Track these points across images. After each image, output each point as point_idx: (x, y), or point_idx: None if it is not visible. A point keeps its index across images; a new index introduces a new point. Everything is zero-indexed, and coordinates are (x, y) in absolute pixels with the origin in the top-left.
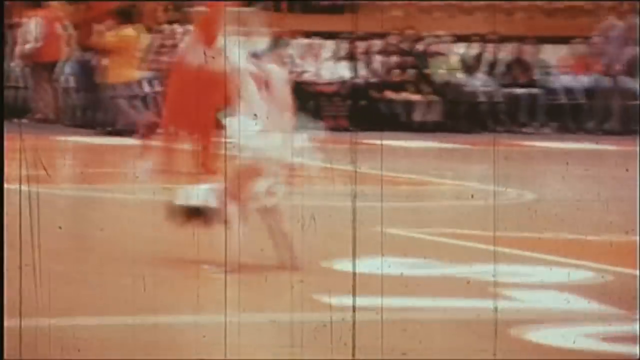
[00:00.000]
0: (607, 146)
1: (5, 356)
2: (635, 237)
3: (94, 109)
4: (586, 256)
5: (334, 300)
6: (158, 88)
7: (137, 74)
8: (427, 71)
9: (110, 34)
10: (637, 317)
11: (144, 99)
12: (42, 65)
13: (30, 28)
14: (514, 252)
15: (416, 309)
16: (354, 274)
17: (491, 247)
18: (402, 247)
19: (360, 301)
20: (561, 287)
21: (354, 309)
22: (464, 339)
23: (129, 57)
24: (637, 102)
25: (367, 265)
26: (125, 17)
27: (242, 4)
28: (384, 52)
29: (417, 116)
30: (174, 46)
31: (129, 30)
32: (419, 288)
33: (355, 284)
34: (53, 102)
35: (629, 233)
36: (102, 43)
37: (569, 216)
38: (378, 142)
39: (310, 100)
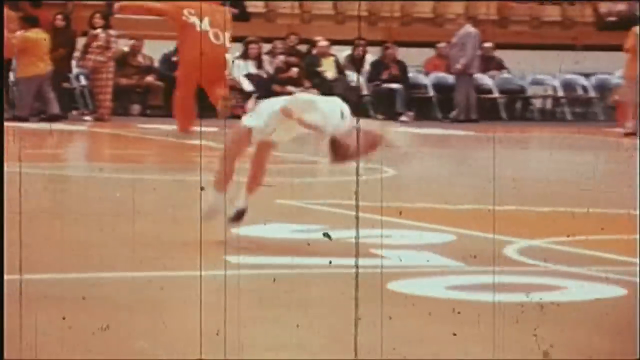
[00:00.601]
0: (457, 131)
1: (5, 356)
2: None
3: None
4: (443, 222)
5: (236, 259)
6: (85, 82)
7: (43, 69)
8: (319, 69)
9: (16, 36)
10: (637, 310)
11: (73, 90)
12: None
13: None
14: (384, 218)
15: (307, 266)
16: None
17: (365, 215)
18: (296, 215)
19: (264, 260)
20: (422, 247)
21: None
22: (344, 288)
23: (34, 56)
24: (489, 95)
25: (268, 230)
26: (30, 22)
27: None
28: (283, 53)
29: None
30: (107, 48)
31: (33, 33)
32: (309, 249)
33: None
34: None
35: (476, 202)
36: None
37: (426, 189)
38: None
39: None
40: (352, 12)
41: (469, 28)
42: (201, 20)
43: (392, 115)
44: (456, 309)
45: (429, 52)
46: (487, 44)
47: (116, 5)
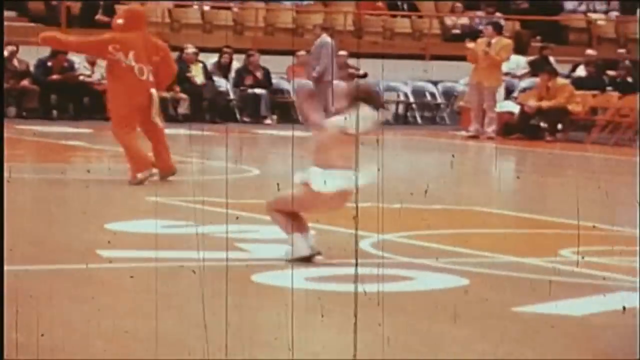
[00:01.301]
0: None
1: (5, 356)
2: None
3: None
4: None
5: (107, 253)
6: None
7: None
8: (188, 74)
9: None
10: (637, 310)
11: None
12: None
13: None
14: (247, 214)
15: (174, 259)
16: None
17: (231, 211)
18: (168, 212)
19: (137, 254)
20: (284, 242)
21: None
22: (215, 283)
23: None
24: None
25: (138, 225)
26: None
27: None
28: None
29: (181, 110)
30: None
31: None
32: (177, 243)
33: None
34: None
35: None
36: None
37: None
38: None
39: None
40: (219, 22)
41: (325, 38)
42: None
43: (257, 119)
44: (315, 299)
45: (290, 60)
46: (343, 52)
47: (40, 35)
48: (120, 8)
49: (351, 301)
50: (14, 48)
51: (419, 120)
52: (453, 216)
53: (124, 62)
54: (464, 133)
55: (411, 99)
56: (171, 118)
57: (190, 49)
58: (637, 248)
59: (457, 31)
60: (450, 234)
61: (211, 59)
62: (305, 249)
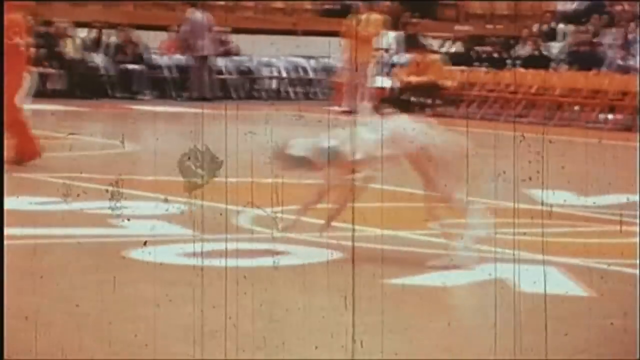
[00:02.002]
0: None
1: (5, 356)
2: None
3: None
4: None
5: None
6: None
7: None
8: (57, 50)
9: None
10: (637, 313)
11: None
12: None
13: None
14: (120, 190)
15: (48, 236)
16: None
17: (99, 186)
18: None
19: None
20: (159, 217)
21: None
22: (87, 259)
23: None
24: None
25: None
26: None
27: None
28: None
29: (50, 85)
30: None
31: None
32: (51, 219)
33: None
34: None
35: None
36: None
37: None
38: None
39: None
40: None
41: (197, 13)
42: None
43: (131, 95)
44: (192, 274)
45: (164, 35)
46: (221, 28)
47: None
48: None
49: (226, 275)
50: None
51: (292, 95)
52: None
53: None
54: (337, 108)
55: (285, 75)
56: (43, 93)
57: (62, 23)
58: (637, 245)
59: (330, 6)
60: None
61: (82, 34)
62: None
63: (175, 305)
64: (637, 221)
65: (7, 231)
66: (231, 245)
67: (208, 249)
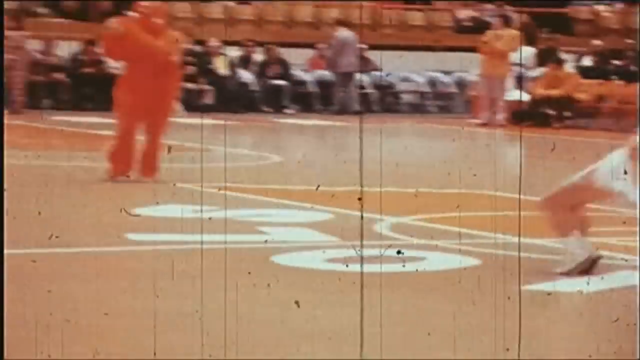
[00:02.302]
0: (336, 122)
1: (5, 356)
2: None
3: None
4: (322, 202)
5: (133, 236)
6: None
7: None
8: (209, 67)
9: None
10: (637, 311)
11: None
12: None
13: None
14: (269, 199)
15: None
16: None
17: (256, 197)
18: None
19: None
20: (305, 225)
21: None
22: (237, 263)
23: None
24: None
25: (163, 210)
26: None
27: None
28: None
29: (202, 100)
30: (18, 47)
31: None
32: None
33: None
34: None
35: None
36: None
37: (307, 173)
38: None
39: None
40: (241, 16)
41: (346, 31)
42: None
43: (278, 108)
44: (333, 279)
45: (309, 53)
46: (362, 45)
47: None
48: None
49: (367, 280)
50: (49, 43)
51: (432, 108)
52: (464, 199)
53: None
54: (475, 121)
55: (425, 89)
56: (196, 108)
57: (215, 43)
58: (637, 240)
59: (468, 24)
60: (462, 216)
61: (234, 52)
62: (583, 253)
63: (319, 310)
64: (637, 221)
65: (163, 237)
66: (373, 252)
67: (349, 255)
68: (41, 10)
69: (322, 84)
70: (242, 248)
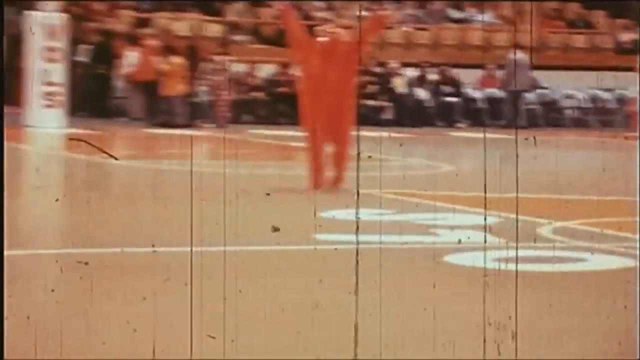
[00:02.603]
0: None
1: (5, 356)
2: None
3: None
4: (490, 207)
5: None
6: (209, 97)
7: (183, 88)
8: (389, 86)
9: (163, 63)
10: (637, 310)
11: (198, 104)
12: (137, 83)
13: (130, 58)
14: (441, 204)
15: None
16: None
17: (429, 202)
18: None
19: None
20: (473, 227)
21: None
22: (412, 261)
23: (173, 78)
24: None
25: (346, 214)
26: (171, 51)
27: None
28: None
29: (382, 116)
30: (223, 70)
31: (175, 60)
32: (388, 228)
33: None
34: (141, 107)
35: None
36: (159, 69)
37: (476, 181)
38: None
39: None
40: (418, 41)
41: (519, 54)
42: None
43: (450, 123)
44: (500, 277)
45: (479, 73)
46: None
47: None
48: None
49: (530, 278)
50: (250, 65)
51: (593, 123)
52: (626, 206)
53: None
54: (635, 134)
55: (587, 105)
56: (376, 122)
57: (393, 64)
58: (637, 244)
59: (627, 46)
60: (618, 221)
61: (411, 73)
62: None
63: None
64: (637, 220)
65: (342, 237)
66: (533, 253)
67: (512, 255)
68: (244, 38)
69: (491, 100)
70: (415, 248)
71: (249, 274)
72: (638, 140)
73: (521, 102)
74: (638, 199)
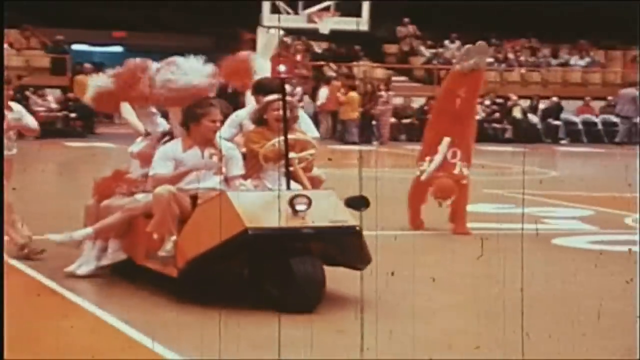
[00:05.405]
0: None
1: (5, 356)
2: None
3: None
4: (586, 203)
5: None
6: (376, 122)
7: (354, 115)
8: (510, 113)
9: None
10: (637, 310)
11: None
12: (326, 112)
13: (322, 94)
14: (549, 200)
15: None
16: None
17: (537, 198)
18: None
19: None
20: (574, 218)
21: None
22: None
23: (350, 106)
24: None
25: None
26: (350, 88)
27: None
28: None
29: (507, 135)
30: (387, 102)
31: (350, 95)
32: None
33: None
34: (327, 129)
35: (604, 190)
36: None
37: (575, 183)
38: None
39: None
40: (531, 79)
41: (629, 88)
42: None
43: (555, 140)
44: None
45: (579, 103)
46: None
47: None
48: None
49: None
50: (407, 99)
51: None
52: None
53: None
54: None
55: None
56: (500, 140)
57: (513, 96)
58: (638, 244)
59: None
60: None
61: (526, 103)
62: None
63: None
64: (637, 220)
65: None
66: (621, 237)
67: (605, 239)
68: (402, 78)
69: (586, 123)
70: (531, 234)
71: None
72: (638, 147)
73: (628, 125)
74: (638, 197)
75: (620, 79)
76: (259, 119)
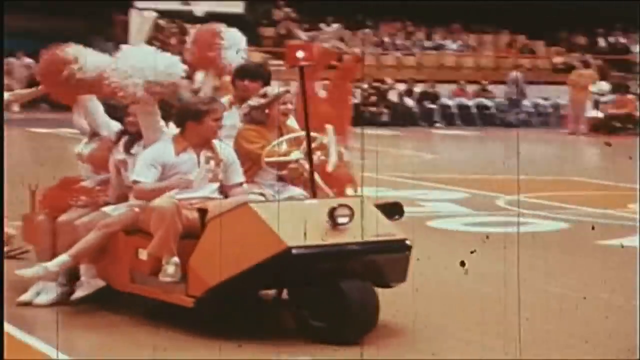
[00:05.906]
0: (468, 132)
1: (5, 356)
2: None
3: None
4: (457, 185)
5: None
6: None
7: None
8: (386, 97)
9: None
10: (637, 310)
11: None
12: None
13: None
14: (424, 183)
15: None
16: None
17: (415, 181)
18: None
19: None
20: (449, 201)
21: None
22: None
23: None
24: None
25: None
26: None
27: None
28: None
29: (383, 118)
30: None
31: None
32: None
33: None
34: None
35: (478, 174)
36: None
37: (450, 166)
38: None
39: None
40: (406, 63)
41: (513, 73)
42: None
43: (430, 123)
44: (466, 237)
45: (453, 86)
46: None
47: None
48: None
49: (494, 239)
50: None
51: (535, 124)
52: (560, 184)
53: None
54: (565, 131)
55: (530, 110)
56: (375, 123)
57: (389, 81)
58: (637, 244)
59: (561, 66)
60: (557, 195)
61: (401, 87)
62: None
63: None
64: (637, 219)
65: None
66: (494, 219)
67: (480, 220)
68: (277, 62)
69: (460, 107)
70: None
71: None
72: (638, 139)
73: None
74: (638, 195)
75: (493, 63)
76: (259, 115)
